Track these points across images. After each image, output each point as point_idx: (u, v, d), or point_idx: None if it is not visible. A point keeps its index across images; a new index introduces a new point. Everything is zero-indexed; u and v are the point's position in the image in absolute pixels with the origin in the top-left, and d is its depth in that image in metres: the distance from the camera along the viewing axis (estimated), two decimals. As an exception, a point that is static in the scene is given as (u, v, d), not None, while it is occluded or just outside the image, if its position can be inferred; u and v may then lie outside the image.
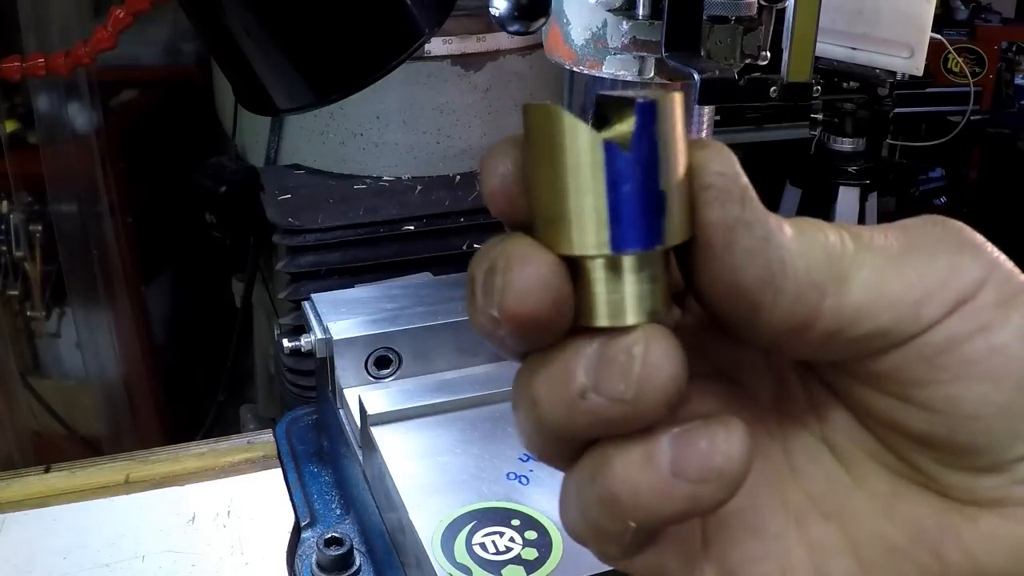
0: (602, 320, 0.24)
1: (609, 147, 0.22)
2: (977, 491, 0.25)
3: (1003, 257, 0.25)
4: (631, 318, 0.23)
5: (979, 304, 0.24)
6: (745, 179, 0.24)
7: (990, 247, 0.25)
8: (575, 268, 0.23)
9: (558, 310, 0.23)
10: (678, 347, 0.23)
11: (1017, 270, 0.25)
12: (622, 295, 0.23)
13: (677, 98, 0.23)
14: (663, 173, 0.23)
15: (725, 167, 0.24)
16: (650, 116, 0.23)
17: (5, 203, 1.20)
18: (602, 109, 0.24)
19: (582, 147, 0.22)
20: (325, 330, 0.64)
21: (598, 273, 0.23)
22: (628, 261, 0.23)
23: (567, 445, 0.25)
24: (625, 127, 0.23)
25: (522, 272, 0.23)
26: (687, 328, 0.28)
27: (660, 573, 0.27)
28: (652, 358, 0.23)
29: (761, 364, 0.28)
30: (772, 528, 0.27)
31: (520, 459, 0.55)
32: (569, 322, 0.24)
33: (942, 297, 0.24)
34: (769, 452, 0.28)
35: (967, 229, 0.25)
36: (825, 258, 0.24)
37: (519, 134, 0.24)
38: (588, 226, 0.23)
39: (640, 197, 0.23)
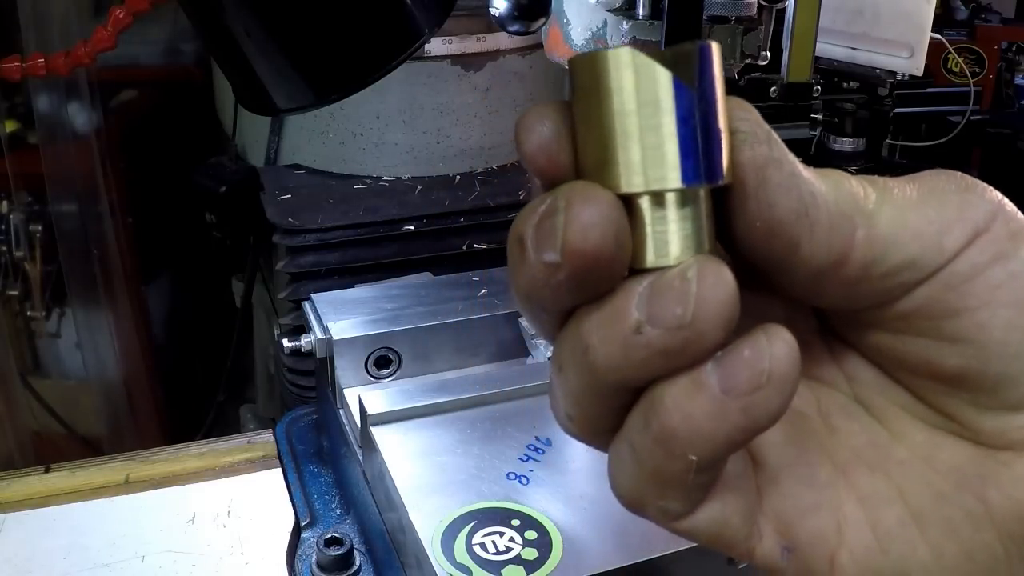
0: (654, 258, 0.24)
1: (679, 84, 0.23)
2: (1010, 432, 0.26)
3: (1006, 199, 0.27)
4: (683, 255, 0.24)
5: (994, 235, 0.26)
6: (766, 124, 0.25)
7: (992, 189, 0.27)
8: (632, 209, 0.24)
9: (620, 248, 0.23)
10: (730, 272, 0.23)
11: (1018, 210, 0.27)
12: (673, 232, 0.24)
13: (716, 46, 0.24)
14: (719, 112, 0.24)
15: (748, 113, 0.25)
16: (708, 58, 0.24)
17: (5, 203, 1.19)
18: (657, 53, 0.24)
19: (654, 85, 0.23)
20: (325, 330, 0.64)
21: (653, 212, 0.24)
22: (698, 193, 0.24)
23: (615, 402, 0.25)
24: (691, 67, 0.24)
25: (584, 208, 0.23)
26: None
27: (723, 529, 0.27)
28: (708, 279, 0.23)
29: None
30: (824, 478, 0.27)
31: (520, 459, 0.55)
32: (627, 263, 0.24)
33: (960, 229, 0.25)
34: (805, 412, 0.28)
35: (968, 176, 0.27)
36: (851, 196, 0.25)
37: (552, 101, 0.25)
38: (658, 161, 0.24)
39: (707, 132, 0.24)
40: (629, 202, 0.24)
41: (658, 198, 0.24)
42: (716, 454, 0.24)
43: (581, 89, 0.24)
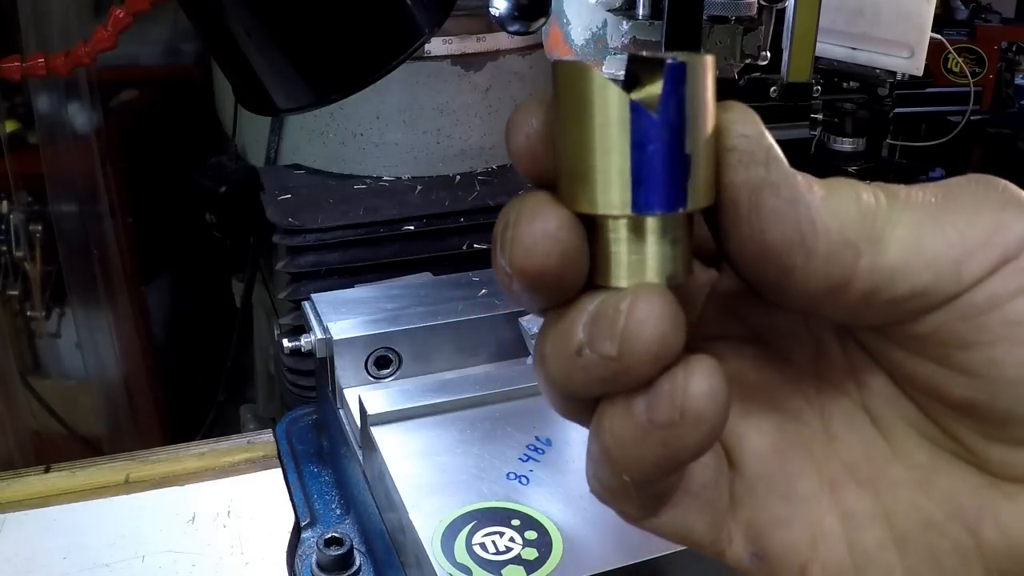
0: (618, 281, 0.24)
1: (636, 107, 0.22)
2: (1017, 466, 0.24)
3: None
4: (634, 279, 0.24)
5: (1023, 264, 0.23)
6: (770, 140, 0.24)
7: None
8: (594, 227, 0.24)
9: (565, 266, 0.23)
10: (670, 306, 0.23)
11: None
12: (640, 256, 0.24)
13: (708, 61, 0.23)
14: (690, 136, 0.23)
15: (748, 129, 0.24)
16: (679, 78, 0.22)
17: (5, 203, 1.19)
18: (634, 69, 0.24)
19: (610, 106, 0.22)
20: (325, 330, 0.64)
21: (616, 233, 0.24)
22: (648, 223, 0.23)
23: (579, 404, 0.25)
24: (654, 88, 0.22)
25: (530, 226, 0.23)
26: (724, 289, 0.28)
27: (686, 533, 0.27)
28: (637, 315, 0.22)
29: (800, 328, 0.27)
30: (802, 492, 0.27)
31: (520, 459, 0.55)
32: (580, 280, 0.24)
33: (984, 255, 0.23)
34: (804, 417, 0.27)
35: (1012, 186, 0.24)
36: (859, 217, 0.23)
37: (547, 94, 0.24)
38: (609, 185, 0.23)
39: (665, 159, 0.23)
40: (593, 221, 0.23)
41: (614, 221, 0.23)
42: (648, 476, 0.24)
43: (557, 96, 0.24)
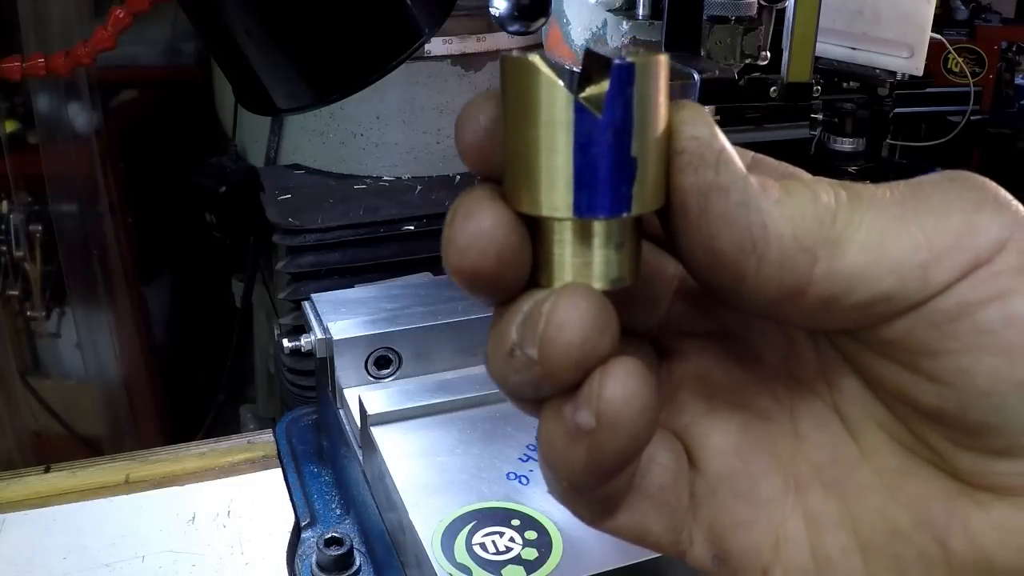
0: (560, 282, 0.23)
1: (580, 108, 0.21)
2: (990, 475, 0.23)
3: None
4: (596, 284, 0.23)
5: (996, 268, 0.22)
6: (721, 142, 0.23)
7: (1016, 206, 0.23)
8: (537, 227, 0.23)
9: (502, 266, 0.22)
10: (595, 309, 0.22)
11: None
12: (582, 259, 0.23)
13: (662, 61, 0.22)
14: (637, 139, 0.22)
15: (699, 130, 0.23)
16: (626, 79, 0.21)
17: (5, 203, 1.19)
18: (588, 65, 0.23)
19: (554, 105, 0.22)
20: (325, 330, 0.64)
21: (558, 235, 0.23)
22: (591, 226, 0.23)
23: (526, 404, 0.25)
24: (601, 88, 0.22)
25: (464, 226, 0.22)
26: (692, 284, 0.27)
27: (643, 535, 0.26)
28: (557, 317, 0.22)
29: (770, 325, 0.27)
30: (765, 494, 0.26)
31: (520, 459, 0.55)
32: (520, 280, 0.23)
33: (953, 259, 0.22)
34: (773, 416, 0.27)
35: (991, 185, 0.23)
36: (815, 221, 0.22)
37: (494, 92, 0.23)
38: (552, 187, 0.22)
39: (609, 162, 0.22)
40: (535, 221, 0.23)
41: (556, 223, 0.23)
42: (580, 483, 0.24)
43: (504, 92, 0.23)
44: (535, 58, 0.22)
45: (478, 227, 0.22)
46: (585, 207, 0.22)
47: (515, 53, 0.23)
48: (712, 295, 0.24)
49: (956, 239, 0.22)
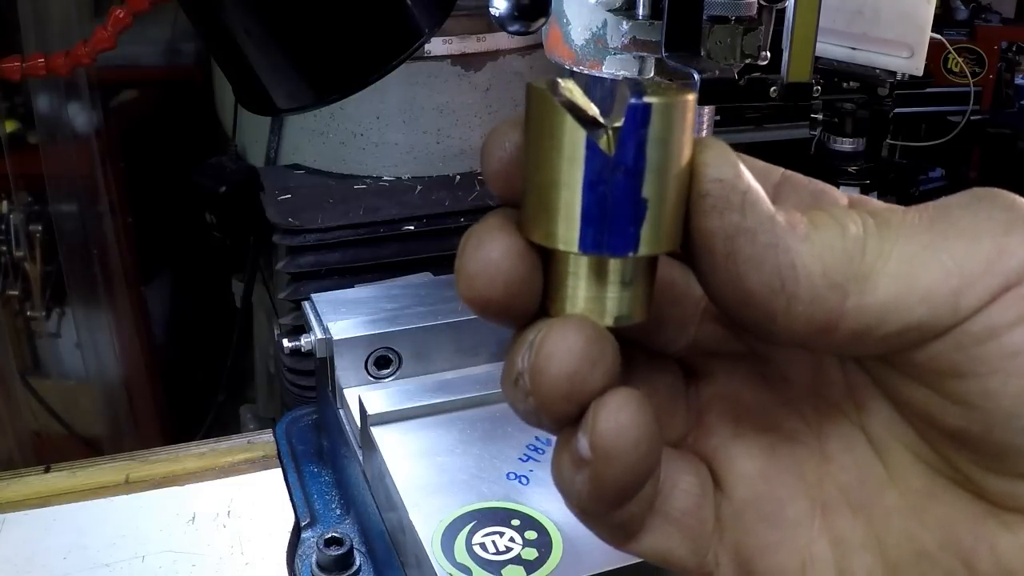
0: (558, 309, 0.23)
1: (591, 145, 0.21)
2: (1017, 497, 0.23)
3: None
4: (598, 319, 0.23)
5: (1023, 292, 0.22)
6: (747, 182, 0.22)
7: None
8: (550, 257, 0.23)
9: (510, 295, 0.23)
10: (585, 343, 0.22)
11: None
12: (588, 294, 0.23)
13: (686, 102, 0.22)
14: (649, 181, 0.22)
15: (724, 172, 0.22)
16: (641, 120, 0.21)
17: (5, 203, 1.20)
18: (612, 97, 0.22)
19: (567, 140, 0.21)
20: (325, 330, 0.64)
21: (567, 267, 0.23)
22: (596, 263, 0.23)
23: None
24: (614, 126, 0.21)
25: (475, 254, 0.23)
26: None
27: (667, 557, 0.26)
28: (545, 350, 0.22)
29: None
30: (791, 517, 0.26)
31: (520, 459, 0.55)
32: (531, 308, 0.23)
33: (984, 284, 0.22)
34: (800, 437, 0.27)
35: (1020, 203, 0.23)
36: (844, 255, 0.22)
37: (520, 119, 0.23)
38: (560, 219, 0.22)
39: (616, 202, 0.22)
40: (545, 248, 0.23)
41: (564, 255, 0.23)
42: (588, 510, 0.24)
43: (527, 119, 0.23)
44: (567, 83, 0.22)
45: (487, 256, 0.23)
46: (591, 244, 0.22)
47: (540, 82, 0.22)
48: (743, 330, 0.24)
49: (987, 264, 0.22)
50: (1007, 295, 0.22)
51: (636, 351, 0.27)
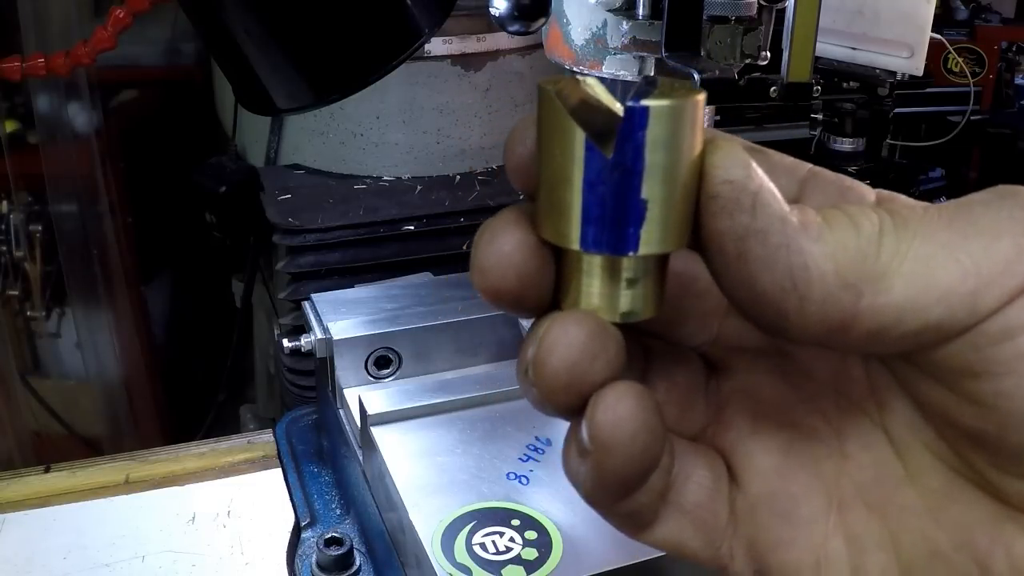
0: (568, 303, 0.24)
1: (590, 146, 0.22)
2: None
3: None
4: (605, 315, 0.23)
5: None
6: (758, 183, 0.22)
7: None
8: (559, 253, 0.24)
9: (523, 287, 0.23)
10: (586, 337, 0.23)
11: None
12: (594, 289, 0.23)
13: (693, 103, 0.22)
14: (650, 182, 0.22)
15: (733, 173, 0.22)
16: (639, 122, 0.21)
17: (5, 203, 1.19)
18: (616, 98, 0.23)
19: (569, 140, 0.22)
20: (325, 330, 0.64)
21: (575, 263, 0.24)
22: (598, 260, 0.23)
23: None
24: (613, 127, 0.22)
25: (488, 248, 0.24)
26: None
27: (681, 548, 0.27)
28: (546, 343, 0.23)
29: None
30: (805, 513, 0.26)
31: (520, 459, 0.55)
32: (543, 300, 0.24)
33: (1002, 285, 0.21)
34: (819, 434, 0.27)
35: None
36: (858, 254, 0.22)
37: None
38: (565, 217, 0.23)
39: (615, 203, 0.22)
40: (557, 246, 0.23)
41: (570, 252, 0.23)
42: (594, 498, 0.25)
43: (538, 119, 0.23)
44: (587, 82, 0.22)
45: (500, 250, 0.23)
46: (591, 242, 0.22)
47: (549, 81, 0.23)
48: (759, 329, 0.24)
49: (1005, 265, 0.21)
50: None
51: (658, 343, 0.28)
